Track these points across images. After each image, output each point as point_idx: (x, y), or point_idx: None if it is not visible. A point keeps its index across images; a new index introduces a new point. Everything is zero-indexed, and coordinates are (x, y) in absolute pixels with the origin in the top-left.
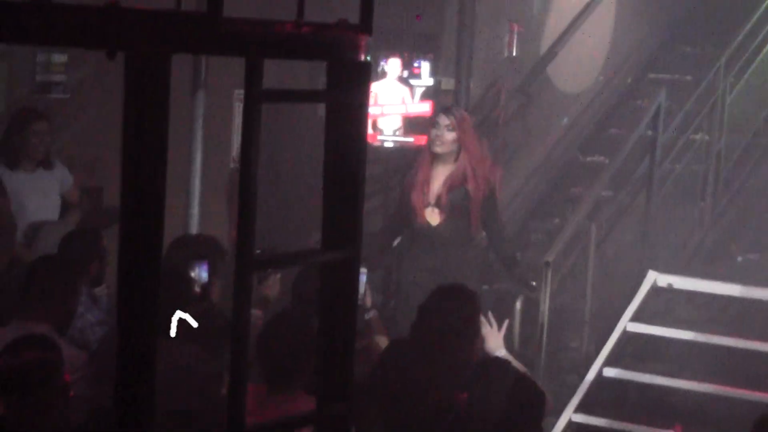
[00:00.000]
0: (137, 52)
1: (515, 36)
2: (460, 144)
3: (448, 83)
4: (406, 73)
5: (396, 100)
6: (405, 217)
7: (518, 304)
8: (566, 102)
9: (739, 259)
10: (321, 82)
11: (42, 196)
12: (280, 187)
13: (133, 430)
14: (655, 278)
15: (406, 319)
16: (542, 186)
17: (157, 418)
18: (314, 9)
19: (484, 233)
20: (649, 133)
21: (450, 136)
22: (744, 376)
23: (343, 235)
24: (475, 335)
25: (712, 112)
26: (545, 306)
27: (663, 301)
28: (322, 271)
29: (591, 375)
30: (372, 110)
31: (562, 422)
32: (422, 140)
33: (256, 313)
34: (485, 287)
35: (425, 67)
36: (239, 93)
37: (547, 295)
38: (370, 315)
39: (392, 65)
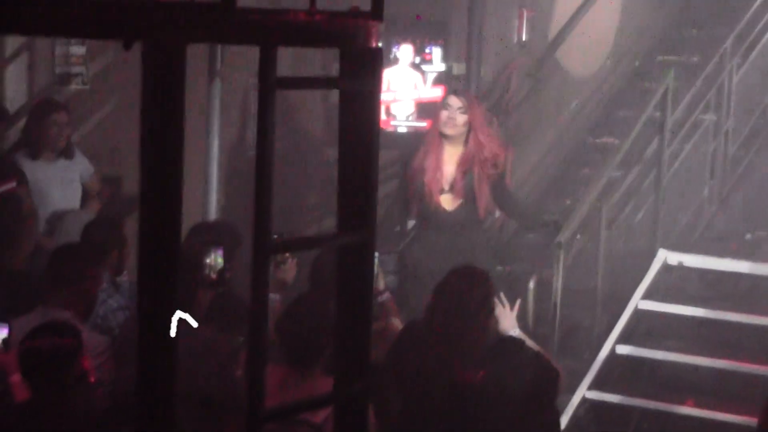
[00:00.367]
0: (153, 42)
1: (525, 21)
2: (471, 126)
3: (460, 68)
4: (417, 59)
5: (408, 86)
6: (414, 200)
7: (531, 284)
8: (576, 85)
9: (749, 236)
10: (334, 69)
11: (63, 186)
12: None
13: (154, 413)
14: (666, 256)
15: (420, 302)
16: (553, 169)
17: (176, 400)
18: None
19: (497, 213)
20: (658, 114)
21: (462, 118)
22: (755, 351)
23: (358, 220)
24: (488, 315)
25: (720, 93)
26: (558, 285)
27: (674, 279)
28: (338, 254)
29: (604, 353)
30: (384, 96)
31: (576, 399)
32: None
33: (273, 296)
34: (499, 268)
35: (437, 52)
36: (254, 82)
37: (560, 274)
38: (384, 298)
39: (404, 51)
